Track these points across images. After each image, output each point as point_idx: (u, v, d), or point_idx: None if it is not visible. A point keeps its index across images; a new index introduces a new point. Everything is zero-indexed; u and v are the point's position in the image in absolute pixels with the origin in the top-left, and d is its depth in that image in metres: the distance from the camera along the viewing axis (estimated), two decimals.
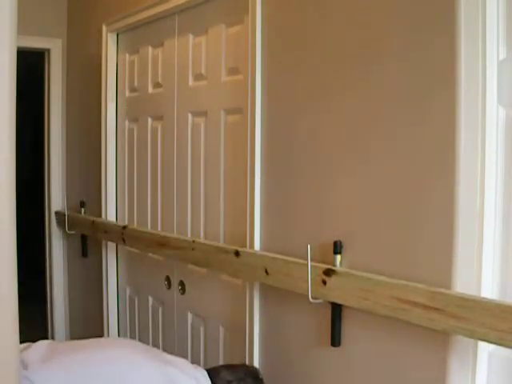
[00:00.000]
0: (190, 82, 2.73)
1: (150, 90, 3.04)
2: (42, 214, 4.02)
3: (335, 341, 1.92)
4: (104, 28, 3.25)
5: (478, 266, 1.53)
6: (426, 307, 1.58)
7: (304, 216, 2.07)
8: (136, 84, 3.14)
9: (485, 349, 1.54)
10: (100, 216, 3.35)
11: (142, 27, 3.05)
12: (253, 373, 2.13)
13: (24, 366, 1.78)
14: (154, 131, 3.01)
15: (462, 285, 1.55)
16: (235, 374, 2.07)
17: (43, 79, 3.90)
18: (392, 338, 1.77)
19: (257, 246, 2.25)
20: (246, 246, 2.29)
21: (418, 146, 1.68)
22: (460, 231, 1.56)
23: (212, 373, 2.05)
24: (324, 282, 1.88)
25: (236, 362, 2.37)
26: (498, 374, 1.54)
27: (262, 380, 2.13)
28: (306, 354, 2.09)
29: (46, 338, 3.59)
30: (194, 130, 2.72)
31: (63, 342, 2.31)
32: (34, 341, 1.98)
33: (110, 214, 3.32)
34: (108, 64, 3.25)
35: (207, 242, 2.53)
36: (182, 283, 2.82)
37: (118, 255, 3.35)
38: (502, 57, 1.50)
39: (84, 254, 3.59)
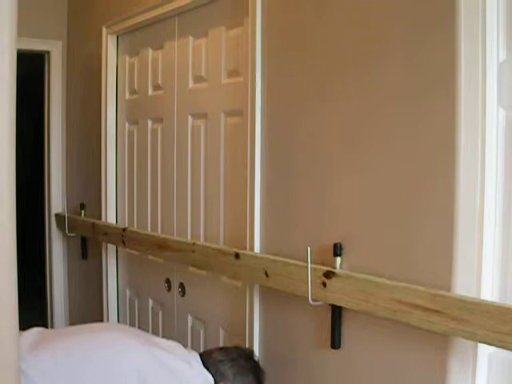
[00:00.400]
0: (190, 84, 2.73)
1: (150, 92, 3.04)
2: (42, 216, 4.02)
3: (335, 343, 1.92)
4: (104, 30, 3.26)
5: (478, 268, 1.53)
6: (426, 309, 1.58)
7: (304, 218, 2.07)
8: (136, 86, 3.14)
9: (485, 351, 1.54)
10: (100, 218, 3.35)
11: (142, 29, 3.05)
12: (246, 353, 2.14)
13: None
14: (154, 133, 3.01)
15: (461, 287, 1.55)
16: (228, 354, 2.09)
17: (43, 81, 3.90)
18: (392, 340, 1.77)
19: (257, 248, 2.25)
20: (245, 248, 2.29)
21: (419, 148, 1.68)
22: (460, 233, 1.56)
23: (205, 355, 2.07)
24: (324, 285, 1.88)
25: None
26: (498, 376, 1.54)
27: (257, 362, 2.14)
28: (306, 356, 2.08)
29: None
30: (193, 132, 2.72)
31: (53, 329, 2.32)
32: None
33: (109, 216, 3.32)
34: (108, 66, 3.25)
35: (207, 244, 2.52)
36: (181, 285, 2.82)
37: (118, 257, 3.35)
38: (502, 58, 1.50)
39: (84, 256, 3.58)
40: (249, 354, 2.16)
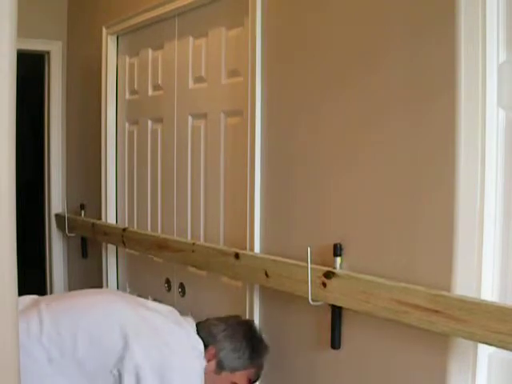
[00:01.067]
0: (190, 85, 2.73)
1: (150, 92, 3.04)
2: (42, 216, 4.02)
3: (335, 343, 1.92)
4: (104, 30, 3.26)
5: (478, 268, 1.53)
6: (426, 310, 1.58)
7: (304, 218, 2.07)
8: (136, 86, 3.14)
9: (485, 351, 1.54)
10: (100, 218, 3.35)
11: (142, 29, 3.05)
12: (244, 321, 2.15)
13: None
14: (154, 134, 3.01)
15: (462, 287, 1.55)
16: (224, 319, 2.10)
17: (43, 81, 3.90)
18: (392, 340, 1.77)
19: (257, 248, 2.25)
20: (245, 249, 2.29)
21: (419, 148, 1.68)
22: (460, 233, 1.56)
23: (201, 322, 2.09)
24: (324, 285, 1.88)
25: None
26: (498, 376, 1.54)
27: (254, 330, 2.11)
28: (306, 356, 2.08)
29: None
30: (193, 132, 2.72)
31: (47, 295, 2.41)
32: None
33: (110, 217, 3.32)
34: (108, 66, 3.25)
35: (207, 244, 2.52)
36: (181, 285, 2.82)
37: (118, 257, 3.35)
38: (501, 59, 1.50)
39: (84, 256, 3.58)
40: (247, 322, 2.15)
